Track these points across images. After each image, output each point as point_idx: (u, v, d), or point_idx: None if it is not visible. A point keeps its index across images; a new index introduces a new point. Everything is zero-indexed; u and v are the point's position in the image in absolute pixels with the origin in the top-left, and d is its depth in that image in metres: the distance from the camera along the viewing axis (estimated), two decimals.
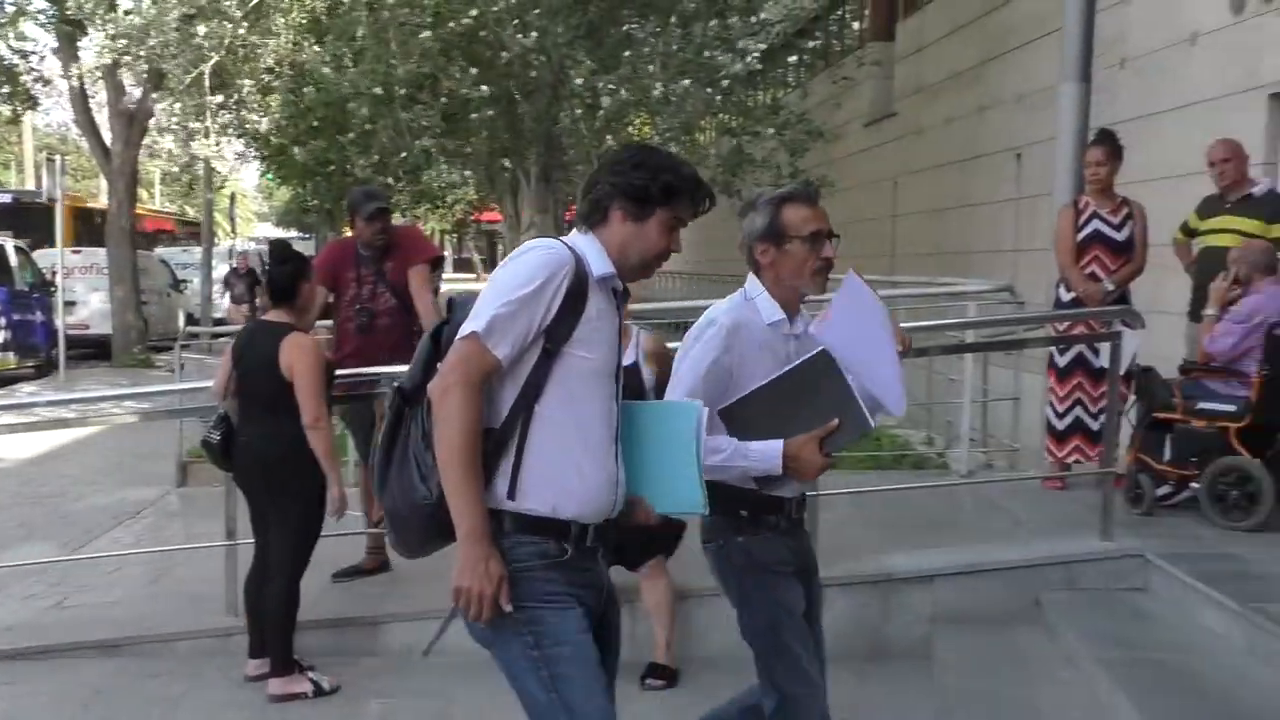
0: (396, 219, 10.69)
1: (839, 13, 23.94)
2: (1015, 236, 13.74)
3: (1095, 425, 6.56)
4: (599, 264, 2.66)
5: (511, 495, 2.57)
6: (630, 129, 16.64)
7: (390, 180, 15.12)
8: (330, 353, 5.66)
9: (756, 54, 14.26)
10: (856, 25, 23.14)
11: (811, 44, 21.62)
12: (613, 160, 2.77)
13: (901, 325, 3.21)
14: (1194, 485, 5.89)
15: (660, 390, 5.02)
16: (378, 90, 12.61)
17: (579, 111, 13.43)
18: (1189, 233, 6.90)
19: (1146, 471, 6.05)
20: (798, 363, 2.98)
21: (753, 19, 14.78)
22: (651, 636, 4.93)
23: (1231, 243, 6.30)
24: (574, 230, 2.75)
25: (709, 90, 13.60)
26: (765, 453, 2.93)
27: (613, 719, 2.60)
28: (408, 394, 2.64)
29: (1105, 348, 5.95)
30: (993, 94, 14.99)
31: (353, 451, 6.71)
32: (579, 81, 12.46)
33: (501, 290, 2.56)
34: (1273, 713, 4.04)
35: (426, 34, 12.39)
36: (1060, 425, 6.76)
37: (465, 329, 2.54)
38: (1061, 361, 6.73)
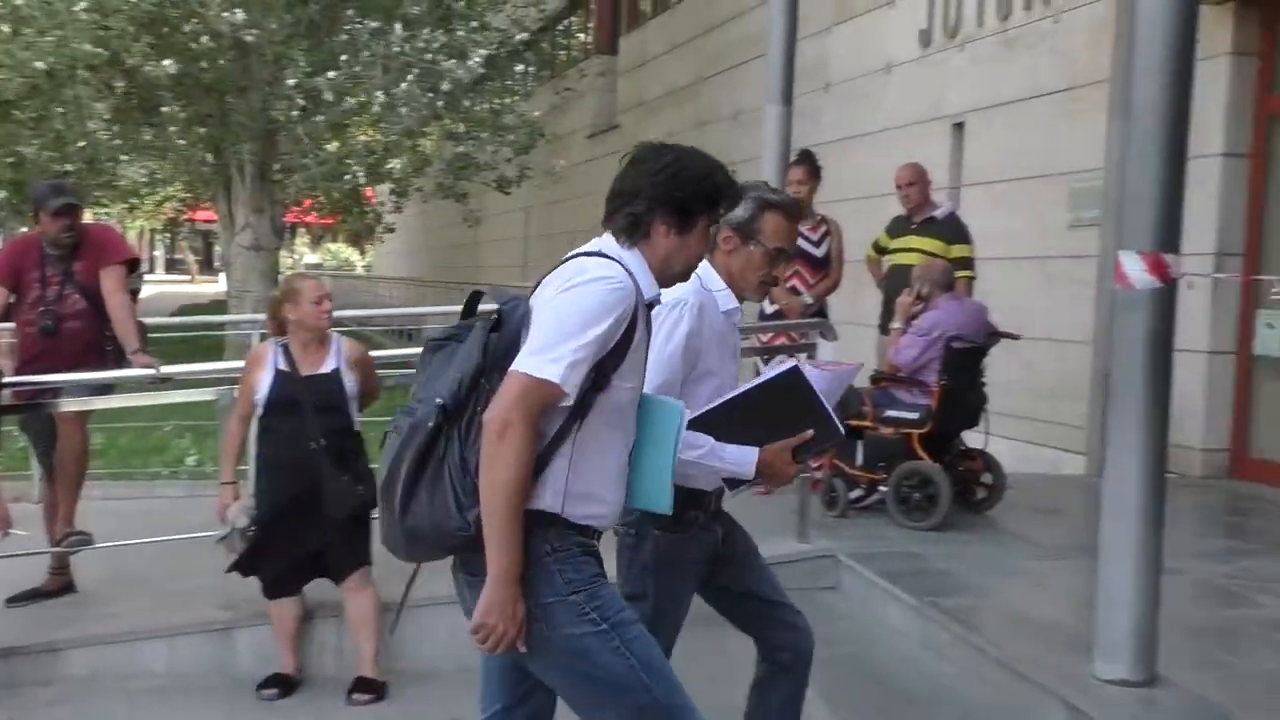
0: (92, 217, 10.05)
1: (565, 23, 24.21)
2: None
3: None
4: (647, 287, 2.58)
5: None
6: (352, 131, 16.30)
7: (68, 168, 14.18)
8: (8, 359, 5.27)
9: (479, 60, 14.24)
10: (582, 37, 23.46)
11: (530, 52, 21.74)
12: (647, 169, 2.62)
13: None
14: (882, 489, 6.28)
15: (365, 399, 4.95)
16: (54, 66, 11.76)
17: (295, 112, 13.03)
18: (880, 250, 7.36)
19: (841, 476, 6.39)
20: (771, 375, 3.00)
21: (476, 25, 14.74)
22: (357, 650, 4.82)
23: (916, 261, 6.76)
24: (610, 240, 2.63)
25: (431, 95, 13.47)
26: (740, 458, 2.92)
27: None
28: (450, 412, 2.46)
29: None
30: (709, 111, 15.50)
31: (37, 465, 6.26)
32: (291, 82, 12.08)
33: (571, 327, 2.43)
34: (937, 695, 4.36)
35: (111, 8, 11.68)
36: None
37: (539, 369, 2.40)
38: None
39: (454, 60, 13.37)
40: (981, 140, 9.75)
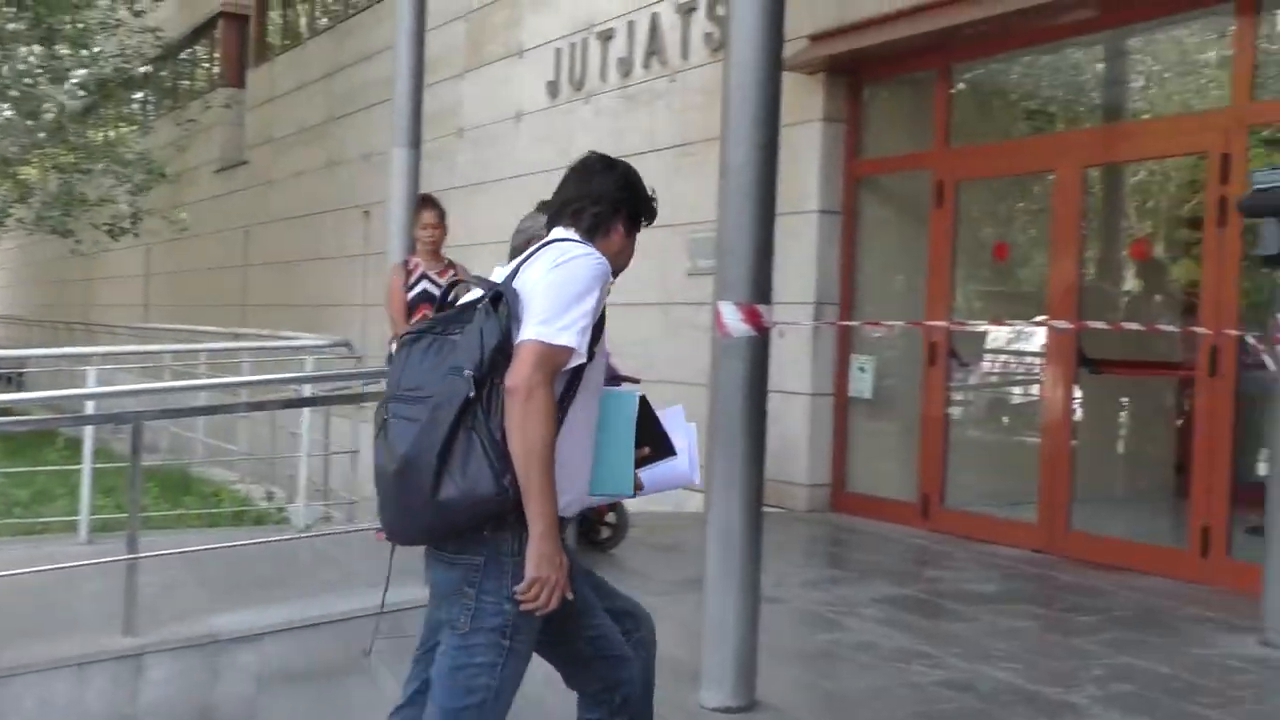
0: None
1: (190, 52, 23.16)
2: (364, 292, 14.06)
3: None
4: None
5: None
6: None
7: None
8: None
9: (76, 82, 13.37)
10: (208, 68, 22.52)
11: (149, 82, 20.66)
12: (611, 179, 2.90)
13: (242, 379, 3.14)
14: None
15: None
16: None
17: None
18: None
19: None
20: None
21: (84, 51, 13.84)
22: None
23: None
24: (571, 233, 2.81)
25: (32, 122, 12.51)
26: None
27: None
28: (479, 383, 2.56)
29: None
30: (341, 151, 15.29)
31: None
32: None
33: (571, 297, 2.62)
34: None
35: None
36: None
37: (553, 336, 2.57)
38: None
39: (56, 84, 12.47)
40: None
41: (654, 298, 9.45)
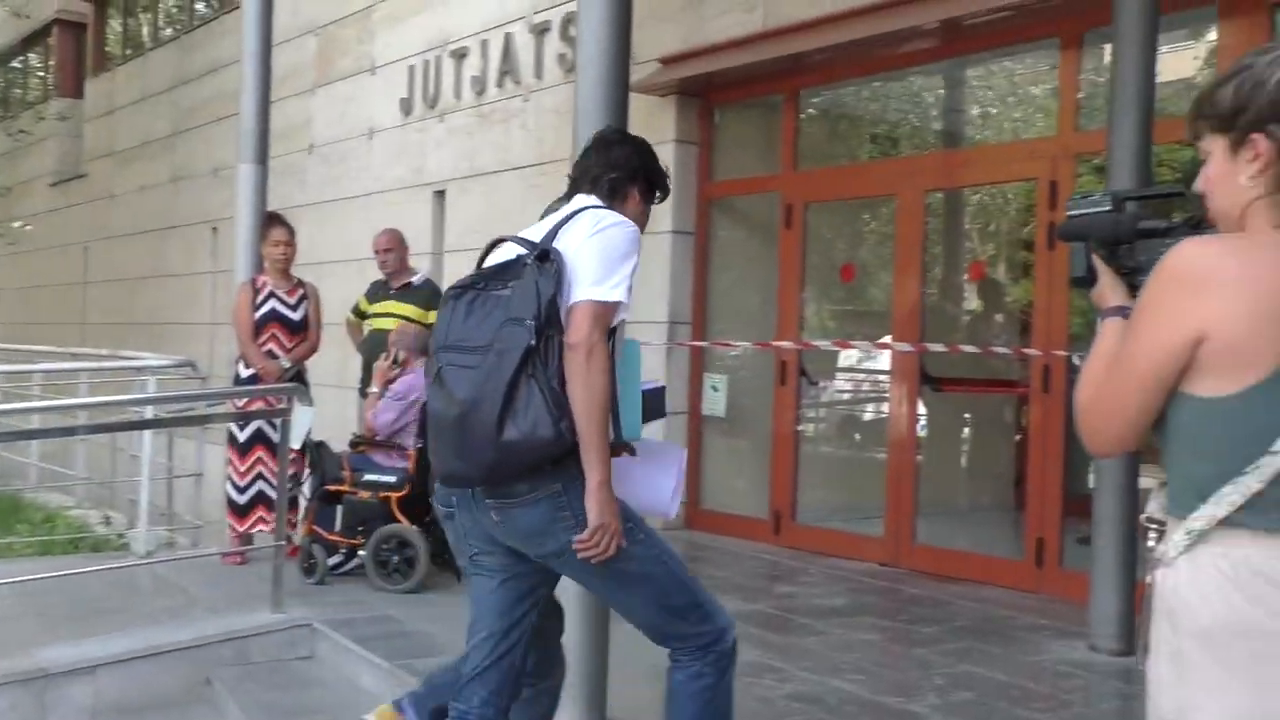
0: None
1: (21, 60, 22.28)
2: (213, 310, 13.71)
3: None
4: None
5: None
6: None
7: None
8: None
9: None
10: (43, 77, 21.69)
11: None
12: (627, 149, 3.15)
13: (80, 400, 3.12)
14: (361, 553, 6.27)
15: None
16: None
17: None
18: (360, 315, 7.40)
19: (319, 542, 6.31)
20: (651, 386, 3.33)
21: None
22: None
23: (394, 326, 6.87)
24: (594, 199, 3.05)
25: None
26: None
27: None
28: (537, 333, 2.73)
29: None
30: (187, 166, 14.89)
31: None
32: None
33: (616, 258, 2.84)
34: None
35: None
36: (241, 500, 6.82)
37: (606, 295, 2.80)
38: (242, 437, 6.81)
39: None
40: (461, 208, 10.09)
41: None
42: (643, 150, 3.20)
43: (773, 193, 8.09)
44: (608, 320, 2.82)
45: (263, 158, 6.89)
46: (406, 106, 10.78)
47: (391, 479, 6.26)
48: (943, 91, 8.34)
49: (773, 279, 8.03)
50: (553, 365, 2.75)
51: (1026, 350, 6.54)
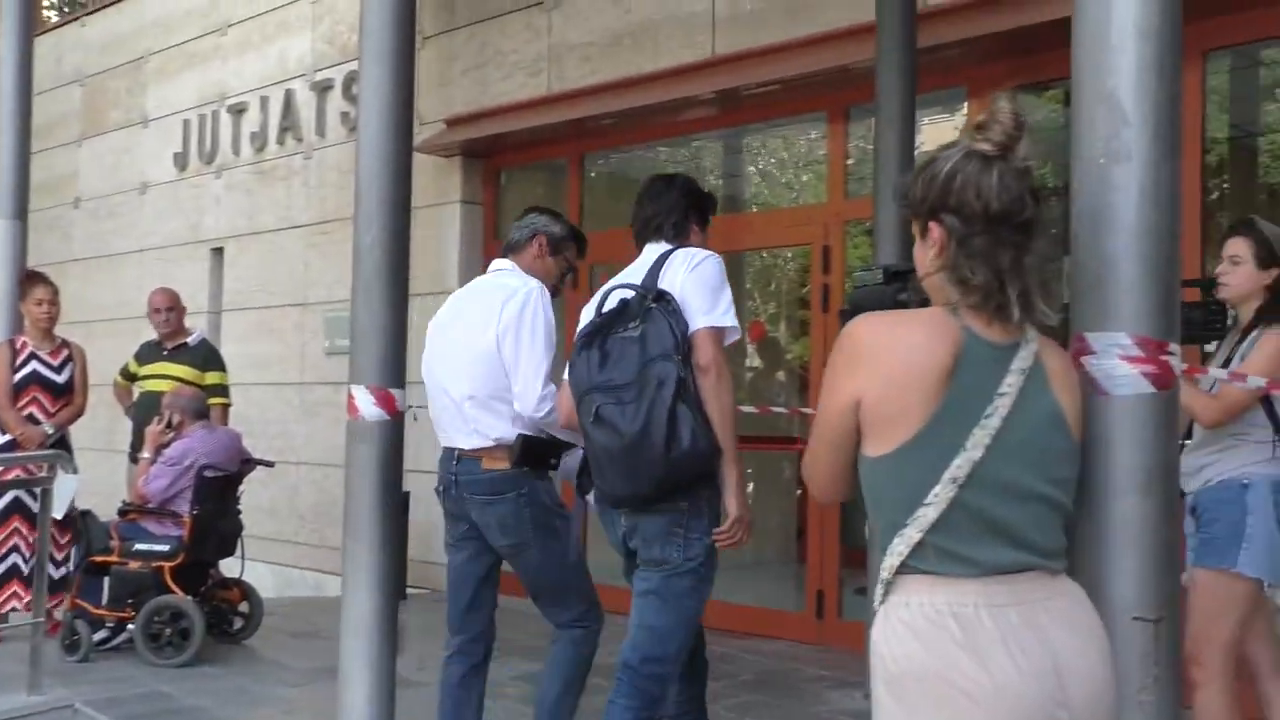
0: None
1: None
2: None
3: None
4: None
5: None
6: None
7: None
8: None
9: None
10: None
11: None
12: (675, 190, 3.60)
13: None
14: (131, 627, 5.96)
15: None
16: None
17: None
18: (130, 376, 7.09)
19: (84, 616, 5.97)
20: None
21: None
22: None
23: (168, 388, 6.61)
24: (663, 242, 3.52)
25: None
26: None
27: None
28: (683, 363, 3.19)
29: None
30: None
31: None
32: None
33: (718, 288, 3.32)
34: None
35: None
36: None
37: (721, 320, 3.28)
38: None
39: None
40: (240, 266, 9.82)
41: (292, 377, 9.20)
42: (688, 187, 3.64)
43: None
44: (723, 341, 3.29)
45: (22, 212, 6.57)
46: (181, 161, 10.45)
47: (164, 548, 5.99)
48: (723, 158, 8.62)
49: (561, 339, 8.07)
50: (693, 389, 3.19)
51: (804, 409, 6.77)
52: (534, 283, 3.83)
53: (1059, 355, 2.01)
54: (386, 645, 3.94)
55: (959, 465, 1.85)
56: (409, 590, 7.70)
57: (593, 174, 8.48)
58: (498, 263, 4.03)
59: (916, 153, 5.42)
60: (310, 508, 9.04)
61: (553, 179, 8.44)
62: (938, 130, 6.88)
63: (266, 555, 8.79)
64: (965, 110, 6.41)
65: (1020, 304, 1.90)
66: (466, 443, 3.73)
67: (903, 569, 1.89)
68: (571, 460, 3.72)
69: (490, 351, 3.68)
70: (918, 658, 1.84)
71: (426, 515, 8.15)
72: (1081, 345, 2.17)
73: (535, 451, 3.69)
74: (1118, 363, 2.12)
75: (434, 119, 8.30)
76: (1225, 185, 6.29)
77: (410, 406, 4.10)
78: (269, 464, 6.75)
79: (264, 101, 9.69)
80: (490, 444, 3.69)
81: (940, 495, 1.85)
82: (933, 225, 1.95)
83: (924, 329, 1.91)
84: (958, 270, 1.91)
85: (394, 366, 3.96)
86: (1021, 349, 1.92)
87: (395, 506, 4.00)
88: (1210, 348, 3.69)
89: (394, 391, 3.94)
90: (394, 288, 3.94)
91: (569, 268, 4.11)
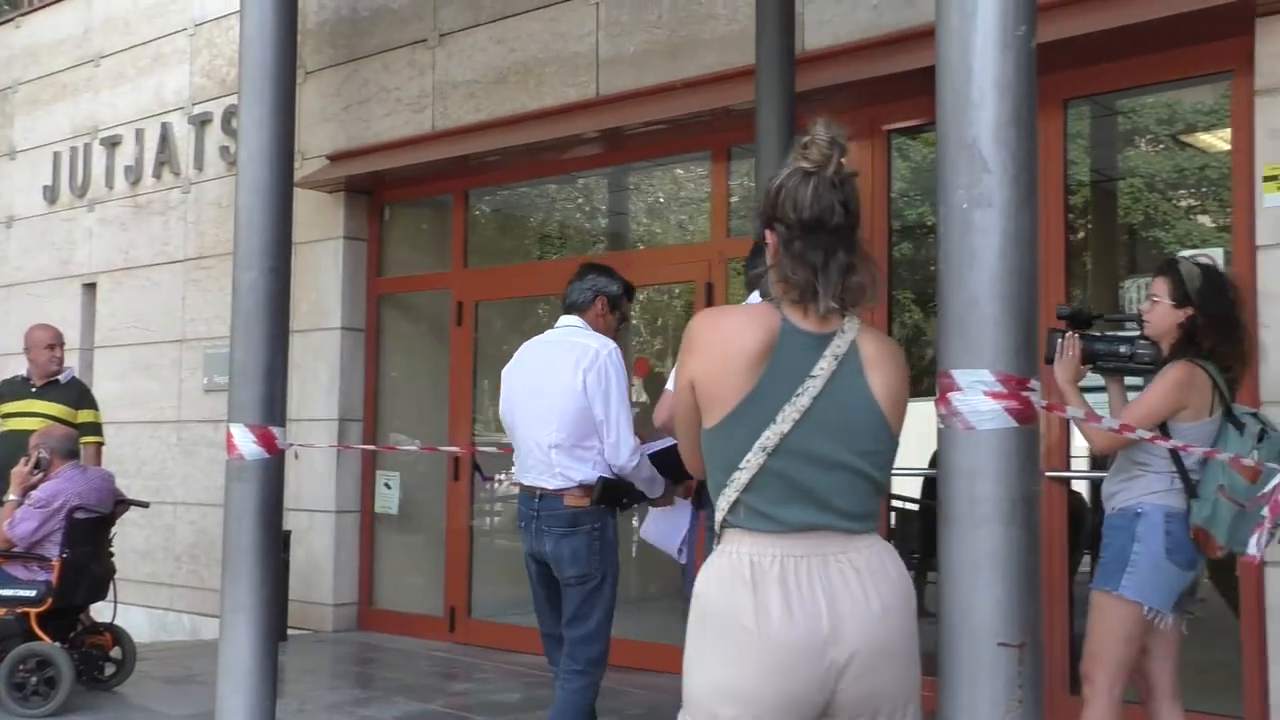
0: None
1: None
2: None
3: None
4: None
5: None
6: None
7: None
8: None
9: None
10: None
11: None
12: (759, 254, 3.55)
13: None
14: None
15: None
16: None
17: None
18: None
19: None
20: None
21: None
22: None
23: (37, 426, 6.40)
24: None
25: None
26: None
27: None
28: None
29: None
30: None
31: None
32: None
33: None
34: None
35: None
36: None
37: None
38: None
39: None
40: (114, 302, 9.58)
41: (169, 415, 8.98)
42: (757, 248, 4.00)
43: (444, 290, 8.14)
44: None
45: None
46: (51, 194, 10.17)
47: (30, 593, 5.78)
48: (609, 195, 8.70)
49: (445, 376, 8.05)
50: None
51: None
52: (610, 343, 4.22)
53: (877, 342, 2.23)
54: (266, 688, 3.87)
55: (768, 436, 2.12)
56: (289, 631, 7.55)
57: (477, 211, 8.49)
58: (566, 319, 4.39)
59: None
60: (187, 549, 8.82)
61: (438, 215, 8.42)
62: None
63: (141, 599, 8.54)
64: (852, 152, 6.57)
65: (830, 298, 2.15)
66: (551, 484, 4.11)
67: (725, 525, 2.19)
68: (664, 525, 4.34)
69: (576, 406, 4.07)
70: (715, 596, 2.16)
71: (308, 555, 8.03)
72: (948, 382, 2.26)
73: (613, 492, 4.13)
74: (982, 398, 2.22)
75: (316, 154, 8.22)
76: (1089, 226, 6.57)
77: (291, 444, 4.04)
78: (144, 504, 6.57)
79: (139, 134, 9.49)
80: (573, 485, 4.09)
81: (751, 461, 2.13)
82: (768, 233, 2.24)
83: (743, 319, 2.22)
84: (781, 269, 2.20)
85: (274, 404, 3.91)
86: (837, 337, 2.18)
87: (275, 546, 3.94)
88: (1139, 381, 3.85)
89: (274, 430, 3.90)
90: (275, 324, 3.91)
91: (623, 319, 4.51)
